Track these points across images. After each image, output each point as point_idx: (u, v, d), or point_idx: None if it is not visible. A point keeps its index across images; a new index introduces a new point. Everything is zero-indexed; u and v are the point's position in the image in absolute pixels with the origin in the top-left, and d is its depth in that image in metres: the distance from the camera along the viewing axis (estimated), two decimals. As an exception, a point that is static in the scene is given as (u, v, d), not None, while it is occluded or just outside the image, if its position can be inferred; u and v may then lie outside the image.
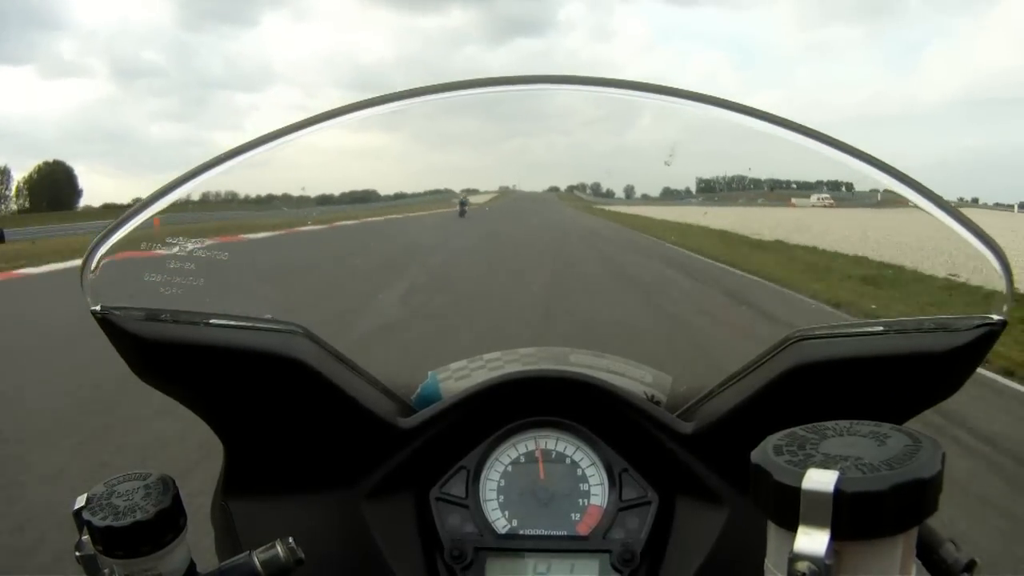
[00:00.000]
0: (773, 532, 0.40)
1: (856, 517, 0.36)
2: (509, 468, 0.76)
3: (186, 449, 3.48)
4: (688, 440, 0.73)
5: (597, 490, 0.75)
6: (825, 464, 0.38)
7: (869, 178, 0.65)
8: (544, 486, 0.75)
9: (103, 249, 0.65)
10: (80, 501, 0.54)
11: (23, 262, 15.15)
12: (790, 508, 0.37)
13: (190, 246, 0.72)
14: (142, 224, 0.66)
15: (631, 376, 0.83)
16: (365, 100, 0.67)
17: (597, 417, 0.76)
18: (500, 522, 0.73)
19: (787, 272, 9.12)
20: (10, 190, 68.91)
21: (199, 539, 0.61)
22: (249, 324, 0.70)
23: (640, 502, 0.74)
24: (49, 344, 6.58)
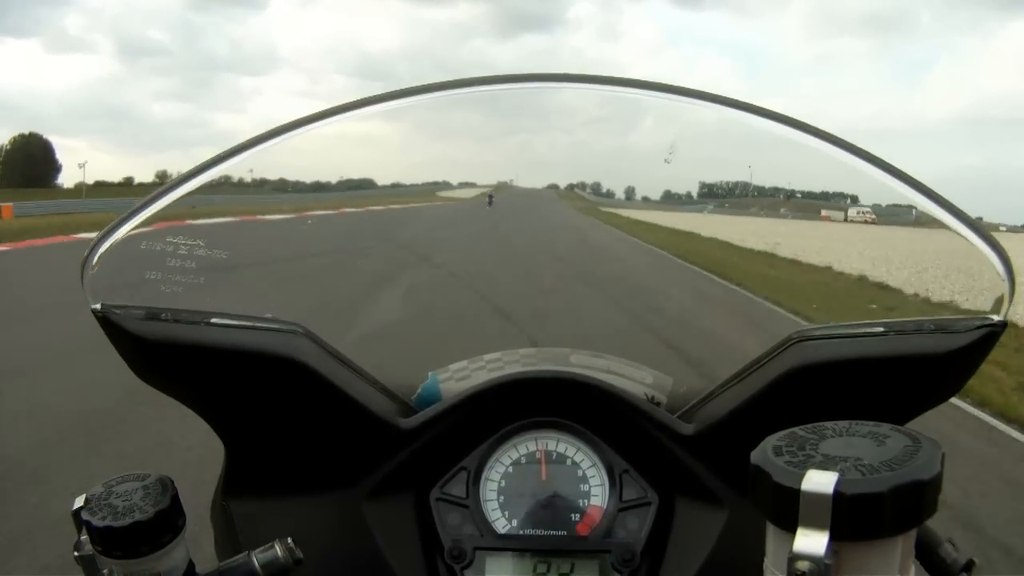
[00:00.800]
0: (772, 533, 0.40)
1: (855, 518, 0.36)
2: (510, 469, 0.75)
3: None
4: (688, 441, 0.73)
5: (597, 491, 0.75)
6: (824, 465, 0.38)
7: (886, 187, 0.64)
8: (545, 487, 0.75)
9: (105, 247, 0.64)
10: (79, 501, 0.54)
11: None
12: (789, 509, 0.37)
13: (190, 244, 0.72)
14: (144, 221, 0.65)
15: (631, 377, 0.83)
16: (372, 96, 0.67)
17: (597, 418, 0.76)
18: (500, 522, 0.73)
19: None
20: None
21: (199, 539, 0.61)
22: (249, 324, 0.70)
23: (640, 503, 0.74)
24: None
